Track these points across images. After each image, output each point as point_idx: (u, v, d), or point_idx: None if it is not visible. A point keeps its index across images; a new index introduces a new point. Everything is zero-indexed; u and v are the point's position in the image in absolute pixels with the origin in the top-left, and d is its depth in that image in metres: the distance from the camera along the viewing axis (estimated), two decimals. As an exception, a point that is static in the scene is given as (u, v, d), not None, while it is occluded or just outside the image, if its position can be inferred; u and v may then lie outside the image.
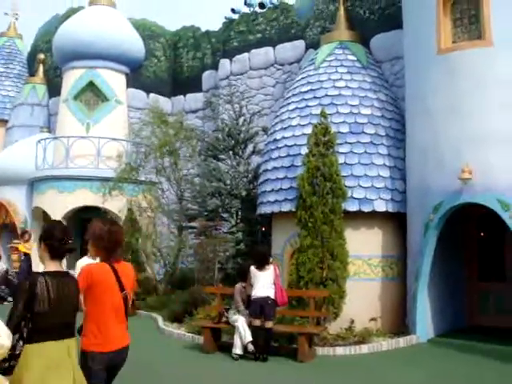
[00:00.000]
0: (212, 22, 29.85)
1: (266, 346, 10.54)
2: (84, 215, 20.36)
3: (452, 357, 10.87)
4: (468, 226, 14.01)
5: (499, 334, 12.53)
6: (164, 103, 21.99)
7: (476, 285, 14.14)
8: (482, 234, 14.25)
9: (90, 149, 19.71)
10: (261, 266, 10.73)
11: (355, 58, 14.63)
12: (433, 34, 12.03)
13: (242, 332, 10.65)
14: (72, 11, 23.37)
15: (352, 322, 12.11)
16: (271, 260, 11.14)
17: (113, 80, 21.26)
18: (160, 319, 14.29)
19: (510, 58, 11.00)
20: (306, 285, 11.75)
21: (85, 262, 7.47)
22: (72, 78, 21.16)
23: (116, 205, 18.07)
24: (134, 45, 21.77)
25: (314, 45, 17.27)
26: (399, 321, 12.89)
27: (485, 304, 13.97)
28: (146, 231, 17.61)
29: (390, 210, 12.93)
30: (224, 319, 11.36)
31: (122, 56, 21.23)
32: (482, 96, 11.18)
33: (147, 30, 23.30)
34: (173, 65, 23.53)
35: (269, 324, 10.53)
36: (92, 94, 21.24)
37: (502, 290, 13.74)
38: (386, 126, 13.51)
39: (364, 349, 11.24)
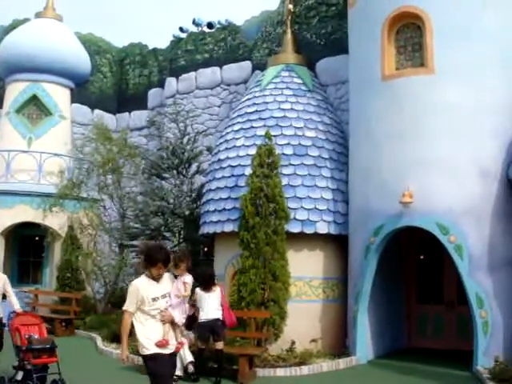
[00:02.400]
0: (160, 39, 29.95)
1: (219, 369, 10.39)
2: (24, 232, 19.91)
3: (391, 378, 10.95)
4: (408, 249, 14.22)
5: (437, 356, 12.73)
6: (109, 120, 21.74)
7: (415, 307, 14.36)
8: (421, 257, 14.49)
9: (31, 164, 19.32)
10: (207, 287, 10.51)
11: (301, 81, 14.78)
12: (377, 60, 12.25)
13: (182, 353, 10.50)
14: (17, 23, 22.91)
15: (293, 343, 12.11)
16: (216, 281, 10.97)
17: (57, 94, 20.86)
18: (99, 339, 14.02)
19: (451, 85, 11.29)
20: (248, 305, 11.71)
21: (140, 281, 7.41)
22: (15, 91, 20.69)
23: (56, 221, 17.81)
24: (80, 59, 21.43)
25: (260, 66, 17.41)
26: (340, 342, 12.95)
27: (423, 326, 14.19)
28: (87, 249, 17.34)
29: (332, 232, 13.04)
30: (164, 340, 11.18)
31: (67, 70, 20.87)
32: (424, 122, 11.42)
33: (94, 46, 23.09)
34: (119, 81, 23.42)
35: (220, 345, 10.40)
36: (35, 107, 20.78)
37: (440, 313, 13.99)
38: (329, 148, 13.65)
39: (304, 370, 11.22)
